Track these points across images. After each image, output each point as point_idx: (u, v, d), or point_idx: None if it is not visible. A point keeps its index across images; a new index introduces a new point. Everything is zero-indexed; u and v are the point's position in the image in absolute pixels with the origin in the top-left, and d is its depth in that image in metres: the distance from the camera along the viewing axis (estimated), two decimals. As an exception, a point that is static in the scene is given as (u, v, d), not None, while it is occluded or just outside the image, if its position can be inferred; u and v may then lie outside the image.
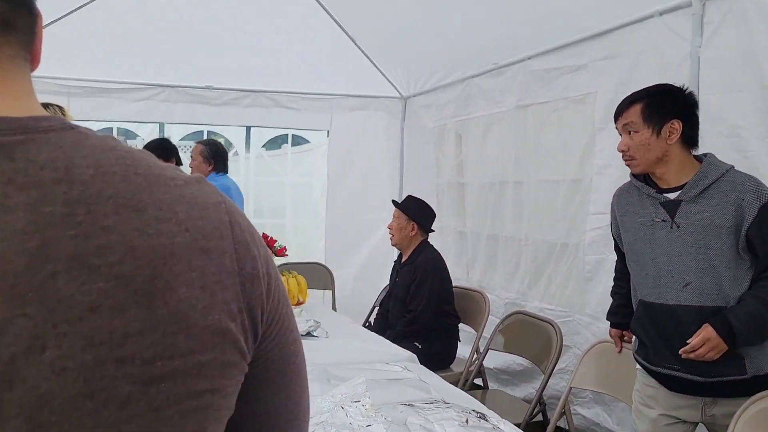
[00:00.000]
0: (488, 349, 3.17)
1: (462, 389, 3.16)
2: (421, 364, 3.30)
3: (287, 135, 6.06)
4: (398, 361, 2.29)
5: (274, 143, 6.33)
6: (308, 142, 6.23)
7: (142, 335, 0.49)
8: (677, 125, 1.91)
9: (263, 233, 3.20)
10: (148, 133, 5.12)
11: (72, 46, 4.35)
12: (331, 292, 4.75)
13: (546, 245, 3.64)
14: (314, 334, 2.57)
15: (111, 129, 5.27)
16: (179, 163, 4.27)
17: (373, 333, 2.76)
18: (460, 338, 3.59)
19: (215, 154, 4.02)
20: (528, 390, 3.69)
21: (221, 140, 5.15)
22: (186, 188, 0.55)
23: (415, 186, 5.26)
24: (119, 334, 0.48)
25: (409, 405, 1.50)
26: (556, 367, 2.89)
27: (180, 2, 4.15)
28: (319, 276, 4.80)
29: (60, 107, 3.82)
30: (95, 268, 0.48)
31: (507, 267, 4.06)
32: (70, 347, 0.47)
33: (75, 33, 4.17)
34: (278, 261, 3.80)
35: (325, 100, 5.29)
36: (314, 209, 5.74)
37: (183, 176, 0.56)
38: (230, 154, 6.59)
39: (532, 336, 2.87)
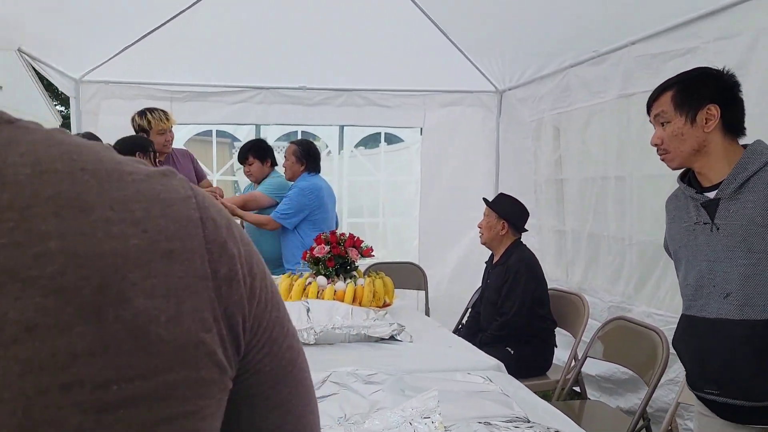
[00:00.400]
0: (586, 357, 2.95)
1: (558, 399, 3.00)
2: (513, 370, 3.16)
3: (380, 133, 6.02)
4: (484, 369, 2.16)
5: (368, 142, 6.31)
6: (401, 140, 6.17)
7: (91, 356, 0.41)
8: (714, 110, 1.70)
9: (350, 234, 3.16)
10: (245, 135, 5.25)
11: (174, 53, 4.54)
12: (424, 292, 4.66)
13: (653, 246, 3.35)
14: (398, 338, 2.49)
15: (211, 131, 5.43)
16: (274, 163, 4.33)
17: (461, 338, 2.63)
18: (557, 344, 3.39)
19: (307, 154, 4.02)
20: (634, 401, 3.43)
21: (316, 140, 5.18)
22: (146, 183, 0.47)
23: (512, 183, 5.06)
24: (63, 356, 0.41)
25: (485, 423, 1.37)
26: (665, 378, 2.64)
27: (273, 5, 4.19)
28: (412, 276, 4.72)
29: (164, 111, 3.99)
30: (31, 280, 0.41)
31: (610, 268, 3.80)
32: (4, 374, 0.40)
33: (176, 40, 4.33)
34: (368, 261, 3.76)
35: (418, 96, 5.20)
36: (408, 208, 5.66)
37: (145, 170, 0.48)
38: (324, 154, 6.69)
39: (635, 344, 2.63)
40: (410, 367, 2.14)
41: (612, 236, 3.78)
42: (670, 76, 2.14)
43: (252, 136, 5.22)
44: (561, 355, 3.41)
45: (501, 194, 3.51)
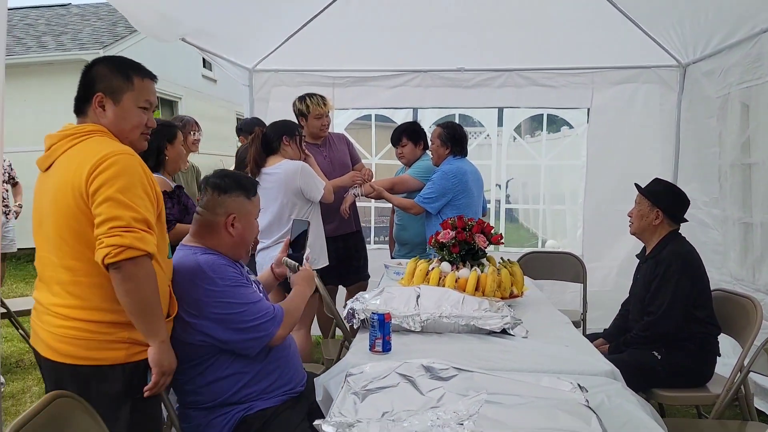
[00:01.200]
0: (749, 371, 2.52)
1: (714, 417, 2.60)
2: (661, 378, 2.81)
3: (542, 115, 5.68)
4: (594, 375, 1.93)
5: (528, 124, 5.99)
6: (565, 121, 5.76)
7: None
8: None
9: (479, 220, 3.01)
10: (402, 119, 5.25)
11: (335, 41, 4.68)
12: (582, 285, 4.33)
13: None
14: (510, 332, 2.31)
15: (370, 115, 5.53)
16: (426, 147, 4.28)
17: (584, 338, 2.38)
18: (723, 352, 2.94)
19: (452, 137, 3.92)
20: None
21: (473, 124, 5.04)
22: None
23: (692, 169, 4.51)
24: None
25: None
26: None
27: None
28: (569, 268, 4.41)
29: (322, 97, 4.13)
30: None
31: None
32: None
33: (336, 27, 4.45)
34: (509, 250, 3.56)
35: (585, 74, 4.81)
36: (572, 195, 5.29)
37: None
38: (482, 138, 6.50)
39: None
40: (511, 366, 1.98)
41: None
42: None
43: (409, 120, 5.22)
44: (728, 365, 2.95)
45: (656, 179, 3.10)
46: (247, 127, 4.32)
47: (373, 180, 4.17)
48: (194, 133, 4.02)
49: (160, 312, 1.86)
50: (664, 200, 2.93)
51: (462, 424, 1.17)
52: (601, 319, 3.64)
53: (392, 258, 4.39)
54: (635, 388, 2.96)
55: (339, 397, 1.49)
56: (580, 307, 4.29)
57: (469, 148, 4.16)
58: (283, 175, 3.43)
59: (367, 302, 2.43)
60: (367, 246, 4.62)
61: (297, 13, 4.36)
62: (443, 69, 4.89)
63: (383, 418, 1.34)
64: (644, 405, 1.77)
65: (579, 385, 1.58)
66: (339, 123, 5.17)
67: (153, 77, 2.01)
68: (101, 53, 9.48)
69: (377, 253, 4.85)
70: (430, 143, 4.10)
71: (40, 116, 9.16)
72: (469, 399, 1.31)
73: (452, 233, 2.88)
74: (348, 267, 4.32)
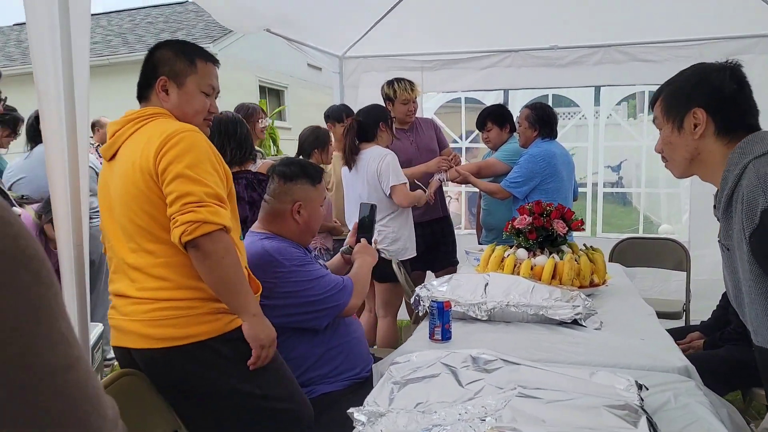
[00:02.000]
0: None
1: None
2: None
3: (644, 92, 5.31)
4: (664, 371, 1.79)
5: (628, 102, 5.63)
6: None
7: None
8: (700, 114, 1.55)
9: (559, 204, 2.88)
10: (493, 101, 5.13)
11: (423, 23, 4.63)
12: (685, 273, 4.04)
13: None
14: (582, 323, 2.20)
15: (460, 98, 5.43)
16: (513, 129, 4.16)
17: (664, 332, 2.21)
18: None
19: (540, 119, 3.76)
20: None
21: (567, 103, 4.82)
22: None
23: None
24: None
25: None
26: None
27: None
28: (669, 255, 4.14)
29: (410, 82, 4.11)
30: None
31: None
32: None
33: (423, 10, 4.40)
34: (588, 236, 3.39)
35: (693, 47, 4.44)
36: (638, 183, 4.93)
37: None
38: (577, 118, 6.18)
39: None
40: (577, 359, 1.89)
41: None
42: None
43: (500, 102, 5.08)
44: None
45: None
46: (334, 114, 4.38)
47: (460, 165, 4.11)
48: (261, 121, 4.12)
49: (247, 285, 1.82)
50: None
51: (484, 420, 1.13)
52: (709, 309, 3.38)
53: (479, 243, 4.31)
54: (733, 387, 2.76)
55: (378, 386, 1.48)
56: (684, 296, 4.02)
57: (565, 130, 4.00)
58: (371, 159, 3.50)
59: (434, 289, 2.40)
60: (457, 231, 4.57)
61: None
62: (535, 48, 4.70)
63: (415, 408, 1.32)
64: (720, 406, 1.63)
65: (637, 382, 1.47)
66: (428, 107, 5.12)
67: (216, 61, 1.99)
68: (210, 47, 9.95)
69: (467, 239, 4.78)
70: (517, 125, 3.97)
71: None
72: (500, 393, 1.26)
73: (529, 219, 2.77)
74: (436, 252, 4.30)
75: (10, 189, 3.72)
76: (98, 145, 6.69)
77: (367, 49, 4.91)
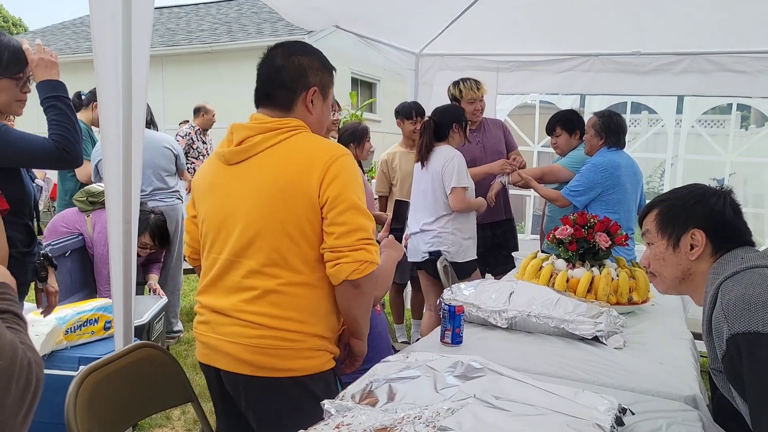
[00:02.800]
0: None
1: None
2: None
3: (731, 105, 4.98)
4: (672, 398, 1.73)
5: (714, 114, 5.29)
6: (763, 113, 4.99)
7: None
8: (699, 236, 1.54)
9: (605, 217, 2.79)
10: (568, 105, 4.98)
11: (500, 23, 4.58)
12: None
13: None
14: (603, 341, 2.13)
15: (534, 102, 5.32)
16: (583, 135, 4.05)
17: (690, 359, 2.10)
18: None
19: (607, 127, 3.64)
20: None
21: (645, 111, 4.62)
22: None
23: None
24: None
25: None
26: None
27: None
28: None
29: (476, 81, 4.10)
30: None
31: None
32: None
33: (502, 9, 4.34)
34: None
35: (790, 58, 4.15)
36: (745, 198, 4.61)
37: None
38: (657, 127, 5.85)
39: None
40: (586, 377, 1.86)
41: None
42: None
43: (576, 107, 4.94)
44: None
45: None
46: (404, 111, 4.42)
47: (524, 168, 4.06)
48: (335, 114, 4.21)
49: None
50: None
51: (428, 426, 1.15)
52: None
53: (541, 251, 4.24)
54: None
55: (358, 381, 1.53)
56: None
57: (644, 138, 3.85)
58: (439, 157, 3.58)
59: (459, 293, 2.41)
60: (521, 236, 4.51)
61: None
62: (616, 53, 4.54)
63: (378, 407, 1.36)
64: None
65: (621, 406, 1.44)
66: (501, 108, 5.06)
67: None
68: (306, 38, 10.23)
69: (533, 244, 4.71)
70: (585, 132, 3.86)
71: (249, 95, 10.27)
72: (458, 404, 1.27)
73: (570, 229, 2.71)
74: (497, 256, 4.28)
75: (97, 166, 3.99)
76: (198, 129, 7.09)
77: (443, 47, 4.91)
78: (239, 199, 1.69)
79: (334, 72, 1.83)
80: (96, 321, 3.12)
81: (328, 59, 1.83)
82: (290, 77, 1.73)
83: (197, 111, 7.22)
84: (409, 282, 4.68)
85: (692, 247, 1.55)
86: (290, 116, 1.74)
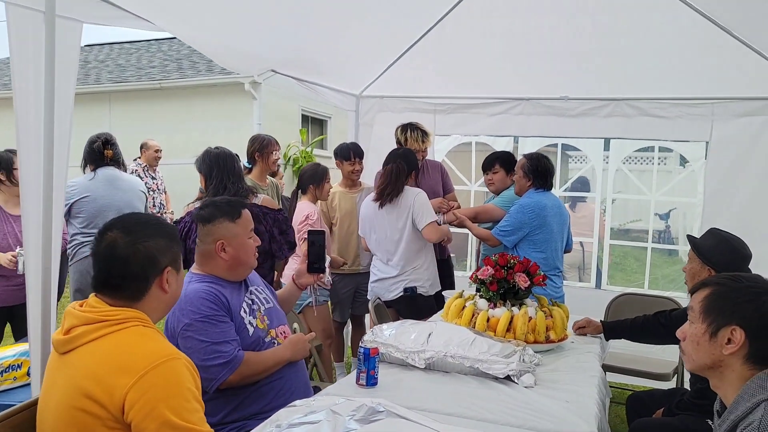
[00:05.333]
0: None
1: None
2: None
3: (653, 147, 5.25)
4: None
5: (638, 156, 5.56)
6: (682, 157, 5.27)
7: None
8: (739, 335, 1.47)
9: (524, 258, 2.90)
10: (503, 147, 5.15)
11: (437, 67, 4.74)
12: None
13: None
14: (514, 380, 2.21)
15: (470, 143, 5.49)
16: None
17: (595, 397, 2.19)
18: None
19: (534, 170, 3.79)
20: None
21: (575, 153, 4.82)
22: None
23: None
24: None
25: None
26: None
27: (529, 14, 4.01)
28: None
29: (423, 132, 4.25)
30: None
31: None
32: None
33: (437, 54, 4.50)
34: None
35: (704, 105, 4.41)
36: (680, 235, 4.83)
37: None
38: (586, 168, 6.12)
39: None
40: (493, 417, 1.93)
41: None
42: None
43: (509, 148, 5.12)
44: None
45: (711, 230, 2.75)
46: (342, 152, 4.48)
47: (458, 208, 4.17)
48: (275, 153, 4.28)
49: None
50: (714, 258, 2.58)
51: None
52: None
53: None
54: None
55: (260, 426, 1.56)
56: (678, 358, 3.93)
57: (574, 179, 4.01)
58: (404, 199, 3.74)
59: (379, 334, 2.46)
60: (464, 273, 4.62)
61: (399, 40, 4.46)
62: (546, 97, 4.75)
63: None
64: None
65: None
66: (440, 149, 5.20)
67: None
68: (255, 77, 10.30)
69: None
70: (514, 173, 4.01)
71: (206, 132, 10.31)
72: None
73: (491, 270, 2.81)
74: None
75: (71, 206, 4.00)
76: (145, 166, 7.08)
77: (383, 89, 5.05)
78: (52, 404, 1.53)
79: (175, 245, 1.69)
80: (19, 366, 3.06)
81: (172, 228, 1.73)
82: (141, 267, 1.60)
83: (141, 147, 7.22)
84: (349, 320, 4.71)
85: (729, 341, 1.49)
86: (136, 305, 1.60)
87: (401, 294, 3.76)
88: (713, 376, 1.56)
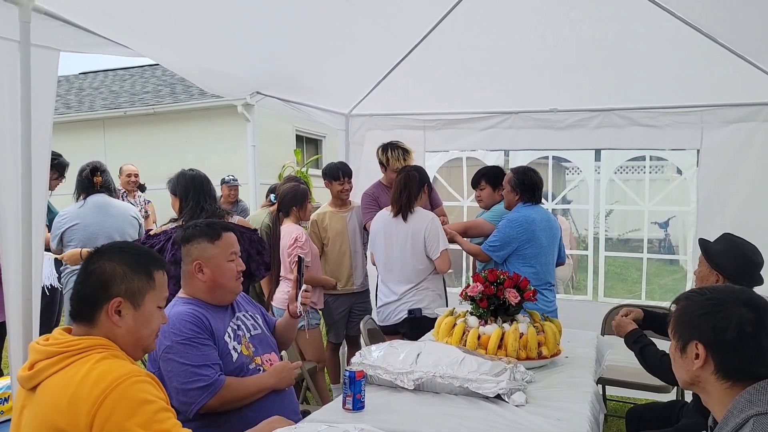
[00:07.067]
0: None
1: None
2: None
3: (644, 157, 5.23)
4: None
5: (630, 167, 5.54)
6: (674, 166, 5.25)
7: None
8: (700, 350, 1.45)
9: (515, 274, 2.87)
10: (493, 161, 5.14)
11: (426, 84, 4.73)
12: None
13: None
14: (505, 398, 2.16)
15: (461, 158, 5.48)
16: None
17: (588, 414, 2.14)
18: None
19: (522, 184, 3.76)
20: None
21: (567, 165, 4.80)
22: None
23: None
24: None
25: None
26: None
27: (516, 28, 4.00)
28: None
29: (404, 150, 4.24)
30: None
31: None
32: None
33: (425, 71, 4.49)
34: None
35: (694, 113, 4.40)
36: (680, 244, 4.79)
37: None
38: (577, 180, 6.10)
39: None
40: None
41: None
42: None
43: (500, 162, 5.10)
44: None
45: (724, 235, 2.72)
46: (331, 172, 4.46)
47: (448, 224, 4.14)
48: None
49: None
50: (724, 263, 2.55)
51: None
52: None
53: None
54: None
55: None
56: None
57: (568, 191, 3.98)
58: (418, 218, 3.72)
59: (367, 356, 2.42)
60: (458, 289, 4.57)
61: (386, 58, 4.45)
62: (535, 110, 4.74)
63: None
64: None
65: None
66: (431, 165, 5.18)
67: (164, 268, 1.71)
68: (248, 99, 10.32)
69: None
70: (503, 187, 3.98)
71: (200, 155, 10.29)
72: None
73: (480, 287, 2.76)
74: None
75: (62, 235, 4.03)
76: (124, 192, 7.00)
77: (372, 107, 5.04)
78: None
79: (155, 272, 1.64)
80: (7, 400, 3.02)
81: (149, 262, 1.63)
82: (92, 288, 1.56)
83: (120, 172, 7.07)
84: (344, 341, 4.66)
85: (697, 356, 1.46)
86: (93, 332, 1.54)
87: (405, 317, 3.71)
88: (699, 393, 1.54)
